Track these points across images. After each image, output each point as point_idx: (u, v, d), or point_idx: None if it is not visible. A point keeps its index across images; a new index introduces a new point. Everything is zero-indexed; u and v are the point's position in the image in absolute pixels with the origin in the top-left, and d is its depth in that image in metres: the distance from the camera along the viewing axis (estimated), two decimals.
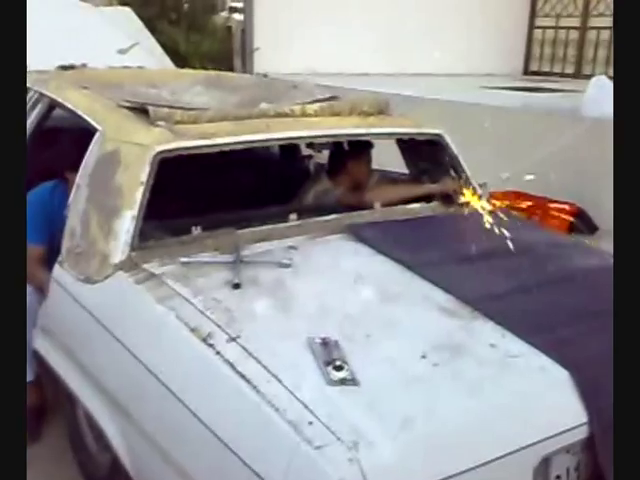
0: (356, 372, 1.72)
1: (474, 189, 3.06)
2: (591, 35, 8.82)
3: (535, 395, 1.76)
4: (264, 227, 2.53)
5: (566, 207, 4.08)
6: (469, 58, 8.77)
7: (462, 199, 2.97)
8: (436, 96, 5.57)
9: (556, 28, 9.34)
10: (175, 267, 2.21)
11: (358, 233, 2.53)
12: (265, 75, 3.93)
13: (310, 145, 3.16)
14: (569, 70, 9.15)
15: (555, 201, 4.07)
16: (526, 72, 9.70)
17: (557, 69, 9.34)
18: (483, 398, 1.71)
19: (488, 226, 2.72)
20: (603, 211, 4.16)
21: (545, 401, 1.76)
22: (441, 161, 3.18)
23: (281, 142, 2.62)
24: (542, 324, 1.99)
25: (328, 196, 3.06)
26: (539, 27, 9.58)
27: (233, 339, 1.85)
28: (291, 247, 2.42)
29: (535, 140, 4.43)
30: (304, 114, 2.89)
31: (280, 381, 1.70)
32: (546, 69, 9.52)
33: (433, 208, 2.93)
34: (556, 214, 3.94)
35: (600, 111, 4.20)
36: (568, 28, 9.14)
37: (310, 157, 3.87)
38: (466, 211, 2.91)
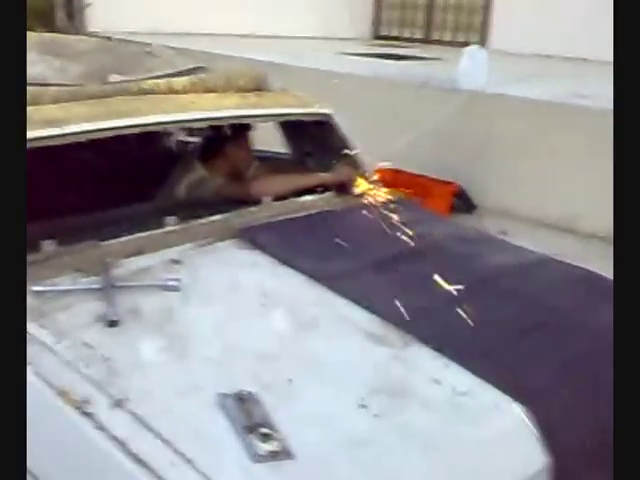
0: (286, 438, 1.35)
1: (367, 176, 2.77)
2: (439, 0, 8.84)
3: (495, 442, 1.50)
4: (137, 235, 2.05)
5: (447, 186, 3.93)
6: (316, 21, 8.47)
7: (357, 188, 2.68)
8: (299, 64, 5.19)
9: None
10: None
11: (253, 238, 2.13)
12: (109, 38, 3.32)
13: (185, 128, 2.68)
14: (418, 35, 9.14)
15: (435, 180, 3.90)
16: (376, 36, 9.58)
17: (406, 34, 9.29)
18: (439, 456, 1.41)
19: (393, 221, 2.45)
20: (480, 189, 4.06)
21: (506, 448, 1.50)
22: (329, 143, 2.84)
23: (151, 128, 2.13)
24: (482, 346, 1.73)
25: (204, 187, 2.60)
26: None
27: (118, 403, 1.41)
28: (175, 261, 1.98)
29: (408, 113, 4.22)
30: (171, 90, 2.42)
31: (190, 462, 1.29)
32: (395, 34, 9.45)
33: (328, 200, 2.58)
34: (437, 193, 3.77)
35: (474, 83, 4.06)
36: None
37: (170, 135, 3.37)
38: (363, 202, 2.63)
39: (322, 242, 2.17)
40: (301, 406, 1.46)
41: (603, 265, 2.04)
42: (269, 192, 2.49)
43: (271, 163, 2.92)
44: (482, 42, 7.91)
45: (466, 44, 8.39)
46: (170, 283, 1.81)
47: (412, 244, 2.25)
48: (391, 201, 2.66)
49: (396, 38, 9.32)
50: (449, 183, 3.96)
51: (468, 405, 1.54)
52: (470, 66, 4.00)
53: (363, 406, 1.48)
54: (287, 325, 1.74)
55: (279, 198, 2.51)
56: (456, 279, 2.04)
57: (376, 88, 4.51)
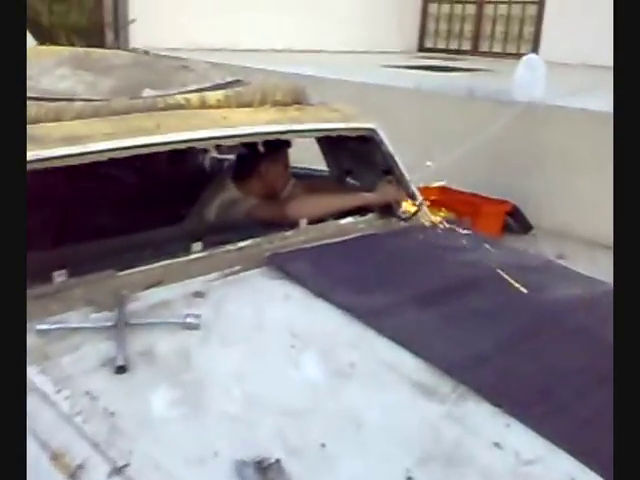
0: None
1: (414, 196, 2.53)
2: (488, 10, 8.54)
3: None
4: (157, 264, 1.85)
5: (500, 205, 3.64)
6: (362, 34, 8.26)
7: (404, 210, 2.44)
8: (338, 76, 4.98)
9: (452, 2, 9.00)
10: (28, 339, 1.50)
11: (285, 267, 1.91)
12: (146, 52, 3.17)
13: (217, 146, 2.48)
14: (466, 47, 8.86)
15: (488, 198, 3.62)
16: (421, 49, 9.33)
17: (453, 45, 9.02)
18: None
19: (443, 247, 2.20)
20: (535, 207, 3.76)
21: None
22: (373, 160, 2.61)
23: (178, 146, 1.93)
24: (551, 401, 1.46)
25: (236, 209, 2.40)
26: (434, 1, 9.21)
27: (117, 471, 1.19)
28: (197, 294, 1.77)
29: (456, 127, 3.96)
30: (204, 105, 2.22)
31: None
32: (442, 46, 9.19)
33: (370, 223, 2.35)
34: (489, 213, 3.49)
35: (531, 95, 3.78)
36: (465, 2, 8.82)
37: (207, 153, 3.19)
38: (409, 225, 2.39)
39: (362, 271, 1.94)
40: (335, 478, 1.23)
41: None
42: (306, 214, 2.27)
43: (309, 182, 2.71)
44: (534, 52, 7.60)
45: (517, 55, 8.12)
46: (189, 320, 1.60)
47: (465, 274, 2.01)
48: (440, 224, 2.42)
49: (443, 50, 9.06)
50: (502, 202, 3.68)
51: (535, 476, 1.28)
52: (527, 76, 3.72)
53: (410, 479, 1.23)
54: (320, 373, 1.50)
55: (317, 221, 2.29)
56: (516, 316, 1.79)
57: (420, 100, 4.26)
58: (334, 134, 2.34)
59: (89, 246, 1.88)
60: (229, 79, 2.67)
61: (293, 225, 2.24)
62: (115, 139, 1.85)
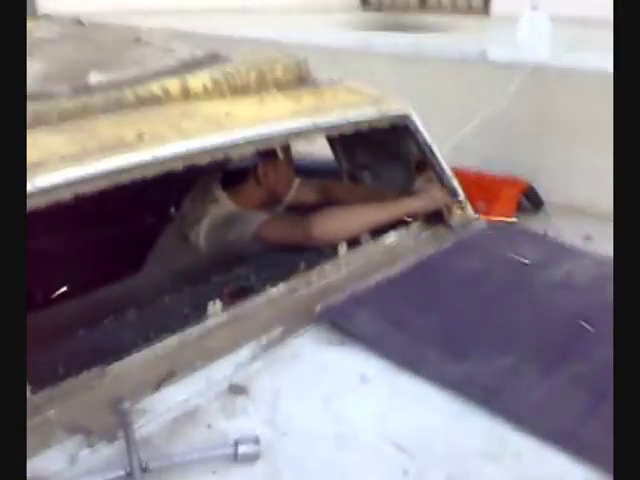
0: None
1: (457, 194, 2.00)
2: None
3: None
4: (160, 344, 1.25)
5: (516, 186, 3.16)
6: None
7: (455, 215, 1.90)
8: (305, 39, 4.31)
9: None
10: None
11: (346, 326, 1.34)
12: (79, 21, 2.45)
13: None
14: (413, 2, 8.26)
15: (502, 179, 3.13)
16: (365, 6, 8.67)
17: (401, 2, 8.40)
18: None
19: (532, 264, 1.68)
20: (548, 182, 3.30)
21: None
22: (401, 152, 2.06)
23: (175, 165, 1.31)
24: None
25: (239, 229, 1.79)
26: None
27: None
28: (235, 389, 1.18)
29: (458, 96, 3.43)
30: (188, 94, 1.60)
31: None
32: (388, 2, 8.55)
33: (419, 237, 1.80)
34: (505, 196, 3.01)
35: (536, 55, 3.28)
36: None
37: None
38: (466, 235, 1.86)
39: (448, 319, 1.41)
40: None
41: None
42: (340, 233, 1.69)
43: (319, 181, 2.13)
44: (485, 6, 7.19)
45: (470, 9, 7.60)
46: (244, 449, 1.02)
47: (578, 309, 1.49)
48: (504, 230, 1.90)
49: (389, 8, 8.43)
50: (517, 181, 3.19)
51: None
52: (531, 35, 3.21)
53: None
54: None
55: (351, 240, 1.72)
56: None
57: (407, 66, 3.70)
58: (366, 126, 1.76)
59: (47, 327, 1.26)
60: (201, 53, 2.04)
61: (322, 249, 1.67)
62: (81, 163, 1.22)
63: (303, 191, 2.06)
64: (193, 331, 1.30)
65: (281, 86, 1.82)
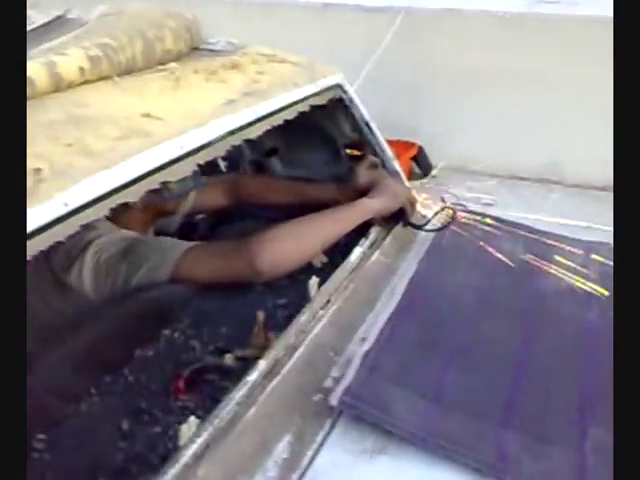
0: None
1: (402, 178, 1.62)
2: None
3: None
4: None
5: (407, 150, 2.82)
6: None
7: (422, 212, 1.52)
8: None
9: None
10: None
11: (387, 420, 0.91)
12: None
13: None
14: None
15: (392, 142, 2.77)
16: None
17: None
18: None
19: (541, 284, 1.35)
20: (433, 141, 3.02)
21: None
22: (328, 133, 1.62)
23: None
24: None
25: (141, 261, 1.23)
26: None
27: None
28: None
29: (320, 49, 2.98)
30: (59, 84, 1.04)
31: None
32: None
33: (381, 245, 1.39)
34: (402, 159, 2.66)
35: None
36: None
37: None
38: (451, 237, 1.48)
39: (485, 386, 1.02)
40: None
41: None
42: (294, 260, 1.22)
43: (227, 177, 1.62)
44: None
45: None
46: None
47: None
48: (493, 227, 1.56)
49: None
50: (409, 145, 2.86)
51: None
52: None
53: None
54: None
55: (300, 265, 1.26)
56: None
57: (255, 15, 3.16)
58: (306, 107, 1.29)
59: None
60: (47, 18, 1.43)
61: (271, 284, 1.20)
62: None
63: (205, 192, 1.55)
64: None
65: (171, 58, 1.29)
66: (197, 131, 0.93)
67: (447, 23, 2.95)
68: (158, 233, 1.48)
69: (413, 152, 2.86)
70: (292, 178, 1.64)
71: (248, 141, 1.30)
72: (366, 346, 1.03)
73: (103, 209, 0.77)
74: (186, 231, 1.63)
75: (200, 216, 1.65)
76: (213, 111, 1.00)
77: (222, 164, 1.48)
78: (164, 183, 0.88)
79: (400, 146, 2.81)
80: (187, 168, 0.90)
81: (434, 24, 2.97)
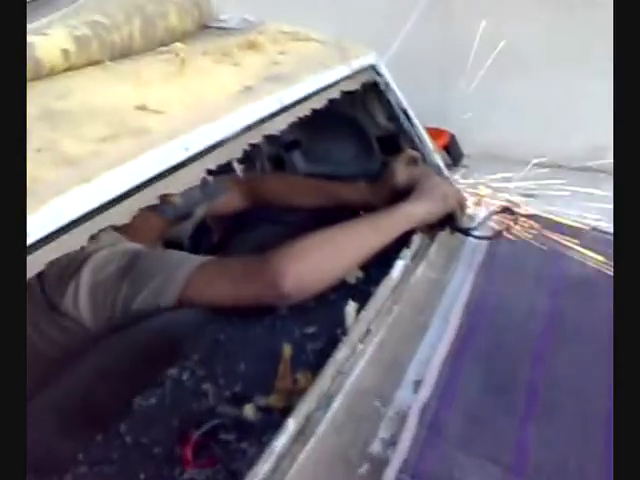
0: None
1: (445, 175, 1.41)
2: None
3: None
4: None
5: (438, 138, 2.61)
6: None
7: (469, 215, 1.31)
8: None
9: None
10: None
11: None
12: None
13: None
14: None
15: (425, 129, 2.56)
16: None
17: None
18: None
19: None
20: (465, 127, 2.80)
21: None
22: (358, 122, 1.41)
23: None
24: None
25: (146, 278, 1.03)
26: None
27: None
28: None
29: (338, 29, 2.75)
30: (39, 70, 0.83)
31: None
32: None
33: (427, 256, 1.18)
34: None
35: None
36: None
37: None
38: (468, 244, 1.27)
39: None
40: None
41: None
42: (323, 279, 1.00)
43: (247, 176, 1.42)
44: None
45: None
46: None
47: None
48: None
49: None
50: (439, 132, 2.65)
51: None
52: None
53: None
54: None
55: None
56: None
57: None
58: (336, 94, 1.07)
59: None
60: None
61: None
62: None
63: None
64: None
65: (175, 38, 1.08)
66: (206, 127, 0.72)
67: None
68: (169, 241, 1.28)
69: (444, 140, 2.65)
70: (317, 176, 1.43)
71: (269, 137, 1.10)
72: (423, 394, 0.82)
73: (80, 237, 0.56)
74: (199, 239, 1.44)
75: (215, 221, 1.46)
76: (226, 101, 0.79)
77: (236, 161, 1.28)
78: (164, 196, 0.67)
79: (429, 134, 2.59)
80: (194, 176, 0.69)
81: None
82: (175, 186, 0.67)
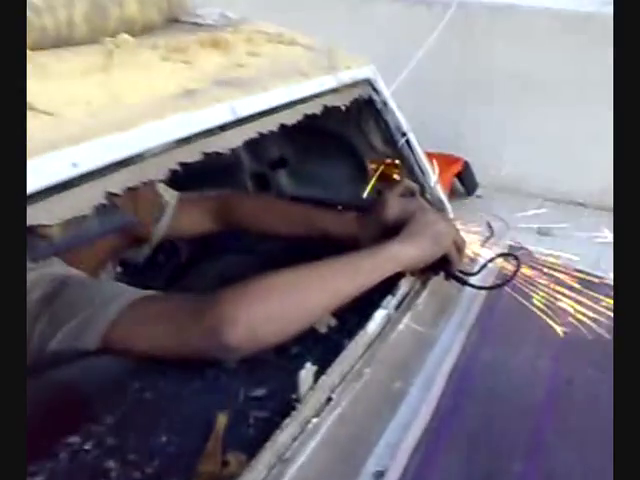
0: None
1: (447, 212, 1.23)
2: None
3: None
4: None
5: (451, 165, 2.42)
6: None
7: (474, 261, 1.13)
8: None
9: None
10: None
11: None
12: None
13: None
14: None
15: (437, 155, 2.39)
16: None
17: None
18: None
19: None
20: (477, 156, 2.62)
21: None
22: (350, 141, 1.24)
23: None
24: None
25: (68, 313, 0.85)
26: None
27: None
28: None
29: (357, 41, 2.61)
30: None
31: None
32: None
33: (414, 305, 0.99)
34: (444, 176, 2.28)
35: None
36: None
37: None
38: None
39: None
40: None
41: None
42: (284, 328, 0.82)
43: (218, 193, 1.25)
44: None
45: None
46: None
47: None
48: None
49: None
50: (453, 160, 2.47)
51: None
52: None
53: None
54: None
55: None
56: None
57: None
58: (319, 108, 0.90)
59: None
60: None
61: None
62: None
63: (187, 213, 1.19)
64: None
65: (135, 30, 0.92)
66: (110, 138, 0.55)
67: (502, 20, 2.55)
68: (125, 266, 1.12)
69: (457, 168, 2.46)
70: (303, 199, 1.25)
71: (247, 147, 0.93)
72: None
73: None
74: (167, 258, 1.28)
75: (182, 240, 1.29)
76: (152, 106, 0.61)
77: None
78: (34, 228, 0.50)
79: (442, 160, 2.40)
80: (83, 202, 0.51)
81: (487, 21, 2.57)
82: (57, 213, 0.50)
